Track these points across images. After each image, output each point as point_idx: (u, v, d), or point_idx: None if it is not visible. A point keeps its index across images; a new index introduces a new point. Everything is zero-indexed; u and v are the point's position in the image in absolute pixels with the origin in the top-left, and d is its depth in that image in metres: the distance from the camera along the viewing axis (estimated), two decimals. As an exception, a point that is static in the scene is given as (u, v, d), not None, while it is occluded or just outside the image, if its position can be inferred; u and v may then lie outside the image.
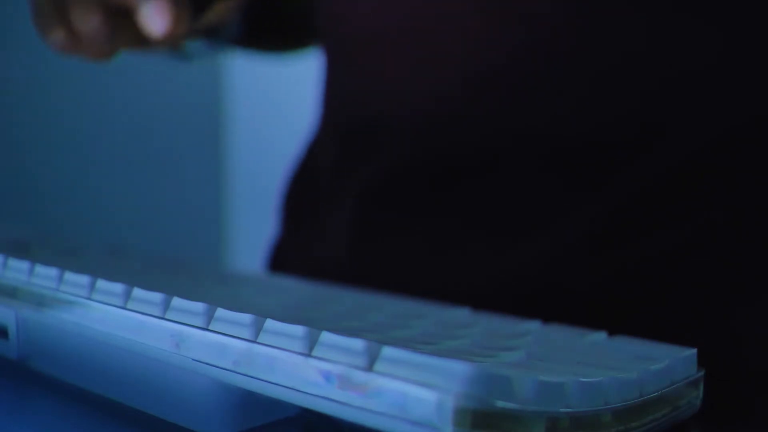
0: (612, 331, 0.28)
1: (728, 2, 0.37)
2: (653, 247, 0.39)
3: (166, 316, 0.25)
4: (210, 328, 0.24)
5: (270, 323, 0.23)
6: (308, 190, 0.51)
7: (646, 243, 0.39)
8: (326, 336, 0.21)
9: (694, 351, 0.25)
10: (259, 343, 0.23)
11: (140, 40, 0.40)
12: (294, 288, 0.36)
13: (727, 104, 0.38)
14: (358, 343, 0.21)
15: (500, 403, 0.19)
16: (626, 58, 0.37)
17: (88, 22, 0.38)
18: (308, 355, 0.22)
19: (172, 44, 0.43)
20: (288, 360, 0.22)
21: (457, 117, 0.40)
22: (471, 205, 0.41)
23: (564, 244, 0.40)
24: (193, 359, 0.24)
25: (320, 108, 0.50)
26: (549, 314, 0.32)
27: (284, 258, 0.52)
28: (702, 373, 0.26)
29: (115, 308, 0.26)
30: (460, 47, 0.40)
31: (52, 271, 0.29)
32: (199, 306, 0.24)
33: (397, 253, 0.44)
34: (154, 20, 0.37)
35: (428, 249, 0.43)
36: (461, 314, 0.31)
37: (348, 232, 0.46)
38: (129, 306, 0.26)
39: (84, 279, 0.28)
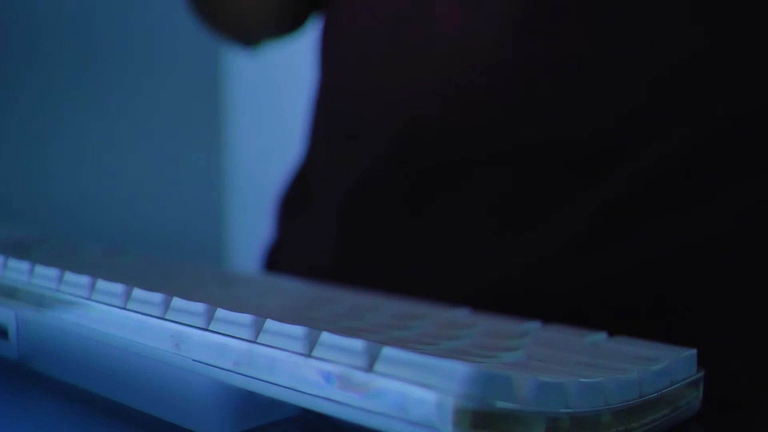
0: (612, 331, 0.28)
1: None
2: (654, 247, 0.39)
3: (166, 317, 0.25)
4: (210, 328, 0.24)
5: (270, 323, 0.23)
6: (300, 191, 0.51)
7: (647, 243, 0.39)
8: (326, 336, 0.21)
9: (694, 351, 0.25)
10: (259, 344, 0.23)
11: None
12: (294, 288, 0.36)
13: (724, 102, 0.38)
14: (358, 344, 0.21)
15: (500, 404, 0.19)
16: (620, 56, 0.37)
17: None
18: (308, 355, 0.22)
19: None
20: (288, 360, 0.22)
21: (453, 117, 0.40)
22: (468, 206, 0.41)
23: (564, 244, 0.40)
24: (193, 360, 0.24)
25: (312, 110, 0.50)
26: (549, 314, 0.32)
27: (277, 261, 0.52)
28: (702, 373, 0.26)
29: (115, 308, 0.26)
30: (447, 43, 0.40)
31: (52, 272, 0.29)
32: (199, 306, 0.24)
33: (390, 254, 0.44)
34: None
35: (425, 250, 0.43)
36: (461, 314, 0.31)
37: (340, 235, 0.46)
38: (129, 306, 0.26)
39: (84, 279, 0.28)
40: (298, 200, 0.51)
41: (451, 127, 0.40)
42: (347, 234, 0.45)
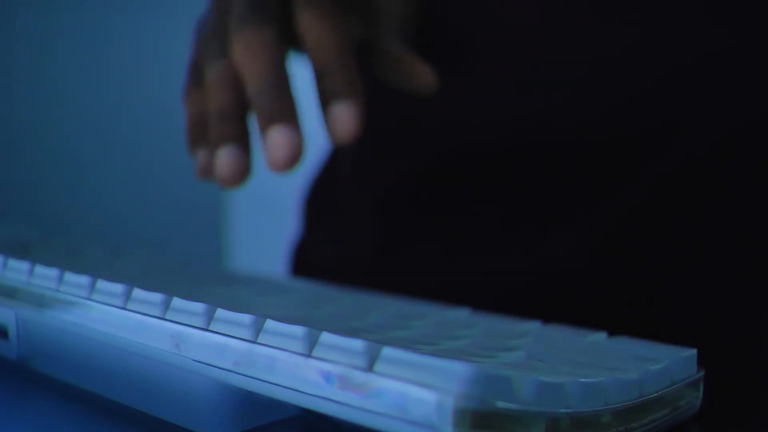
0: (612, 332, 0.28)
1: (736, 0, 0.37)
2: (654, 247, 0.39)
3: (166, 317, 0.25)
4: (210, 328, 0.24)
5: (270, 323, 0.23)
6: (329, 190, 0.51)
7: (647, 243, 0.39)
8: (326, 336, 0.21)
9: (694, 351, 0.25)
10: (259, 344, 0.23)
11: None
12: (294, 288, 0.36)
13: (733, 108, 0.38)
14: (358, 344, 0.21)
15: (500, 404, 0.19)
16: (634, 58, 0.37)
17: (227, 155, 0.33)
18: (308, 355, 0.22)
19: None
20: (288, 360, 0.22)
21: (460, 120, 0.40)
22: (471, 207, 0.41)
23: (565, 245, 0.40)
24: (193, 360, 0.24)
25: None
26: (549, 314, 0.32)
27: (306, 259, 0.52)
28: (702, 373, 0.26)
29: (115, 308, 0.26)
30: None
31: (52, 272, 0.29)
32: (199, 306, 0.24)
33: (413, 254, 0.44)
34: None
35: (440, 251, 0.43)
36: (461, 314, 0.31)
37: (368, 233, 0.46)
38: (129, 306, 0.26)
39: (84, 279, 0.28)
40: (328, 195, 0.51)
41: (473, 131, 0.40)
42: (382, 233, 0.45)
